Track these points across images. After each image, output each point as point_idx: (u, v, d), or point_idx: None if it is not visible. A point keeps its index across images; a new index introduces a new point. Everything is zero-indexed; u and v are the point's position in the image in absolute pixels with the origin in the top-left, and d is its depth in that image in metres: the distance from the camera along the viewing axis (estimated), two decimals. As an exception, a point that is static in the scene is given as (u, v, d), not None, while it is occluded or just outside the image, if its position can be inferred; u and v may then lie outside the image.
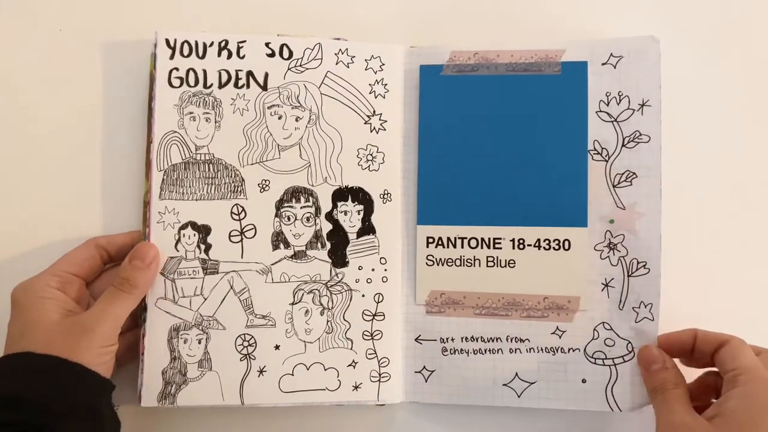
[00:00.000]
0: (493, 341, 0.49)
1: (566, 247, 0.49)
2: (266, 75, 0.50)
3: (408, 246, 0.50)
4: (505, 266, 0.49)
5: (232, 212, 0.49)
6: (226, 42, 0.50)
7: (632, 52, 0.49)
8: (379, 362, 0.49)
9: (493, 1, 0.54)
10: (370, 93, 0.50)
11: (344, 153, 0.50)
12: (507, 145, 0.49)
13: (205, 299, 0.48)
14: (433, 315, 0.49)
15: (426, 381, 0.49)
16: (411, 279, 0.50)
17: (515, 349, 0.49)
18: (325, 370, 0.48)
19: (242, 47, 0.50)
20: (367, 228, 0.50)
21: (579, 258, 0.48)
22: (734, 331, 0.44)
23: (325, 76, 0.50)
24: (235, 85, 0.50)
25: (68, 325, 0.42)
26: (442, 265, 0.49)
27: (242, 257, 0.48)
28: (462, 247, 0.49)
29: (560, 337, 0.48)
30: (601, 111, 0.49)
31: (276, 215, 0.49)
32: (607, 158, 0.49)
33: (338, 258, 0.49)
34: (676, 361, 0.46)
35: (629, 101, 0.49)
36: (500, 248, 0.49)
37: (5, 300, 0.44)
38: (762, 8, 0.54)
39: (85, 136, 0.51)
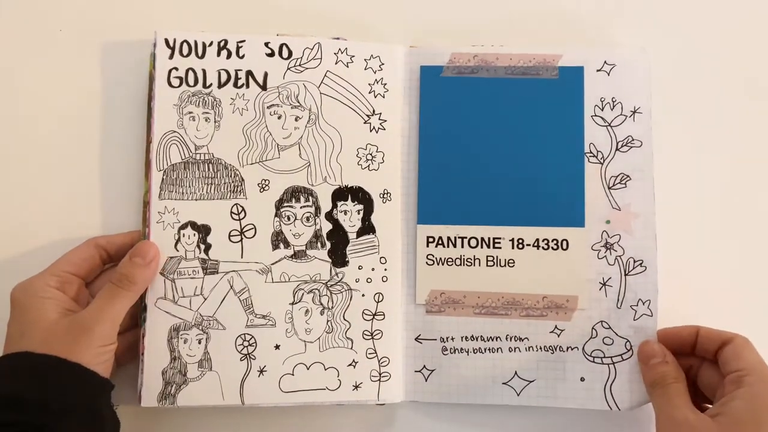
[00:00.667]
0: (492, 340, 0.49)
1: (565, 246, 0.49)
2: (266, 75, 0.50)
3: (408, 245, 0.50)
4: (505, 266, 0.49)
5: (231, 212, 0.49)
6: (226, 42, 0.50)
7: (624, 61, 0.50)
8: (379, 362, 0.49)
9: (493, 1, 0.54)
10: (369, 92, 0.50)
11: (344, 152, 0.50)
12: (506, 147, 0.50)
13: (205, 299, 0.48)
14: (433, 314, 0.49)
15: (426, 380, 0.49)
16: (411, 278, 0.50)
17: (514, 348, 0.49)
18: (326, 369, 0.48)
19: (241, 47, 0.50)
20: (367, 227, 0.50)
21: (577, 257, 0.49)
22: (733, 330, 0.45)
23: (325, 75, 0.50)
24: (235, 85, 0.50)
25: (67, 324, 0.42)
26: (442, 264, 0.49)
27: (242, 257, 0.48)
28: (462, 246, 0.49)
29: (559, 336, 0.49)
30: (596, 115, 0.50)
31: (276, 215, 0.49)
32: (602, 161, 0.50)
33: (338, 258, 0.49)
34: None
35: (622, 107, 0.50)
36: (500, 248, 0.49)
37: (5, 300, 0.44)
38: (753, 16, 0.55)
39: (85, 135, 0.51)
